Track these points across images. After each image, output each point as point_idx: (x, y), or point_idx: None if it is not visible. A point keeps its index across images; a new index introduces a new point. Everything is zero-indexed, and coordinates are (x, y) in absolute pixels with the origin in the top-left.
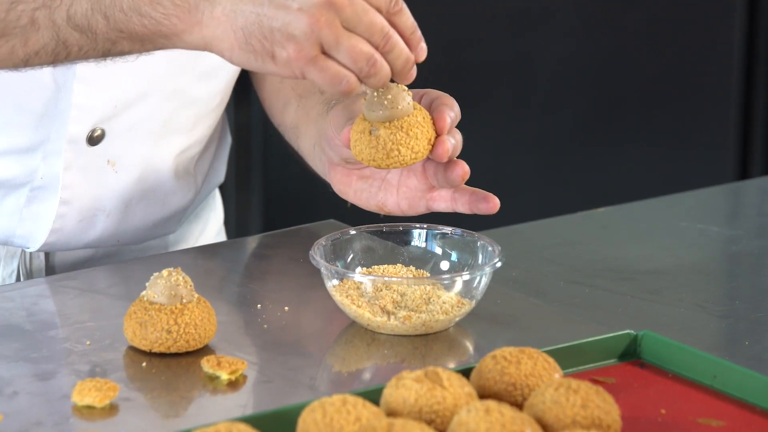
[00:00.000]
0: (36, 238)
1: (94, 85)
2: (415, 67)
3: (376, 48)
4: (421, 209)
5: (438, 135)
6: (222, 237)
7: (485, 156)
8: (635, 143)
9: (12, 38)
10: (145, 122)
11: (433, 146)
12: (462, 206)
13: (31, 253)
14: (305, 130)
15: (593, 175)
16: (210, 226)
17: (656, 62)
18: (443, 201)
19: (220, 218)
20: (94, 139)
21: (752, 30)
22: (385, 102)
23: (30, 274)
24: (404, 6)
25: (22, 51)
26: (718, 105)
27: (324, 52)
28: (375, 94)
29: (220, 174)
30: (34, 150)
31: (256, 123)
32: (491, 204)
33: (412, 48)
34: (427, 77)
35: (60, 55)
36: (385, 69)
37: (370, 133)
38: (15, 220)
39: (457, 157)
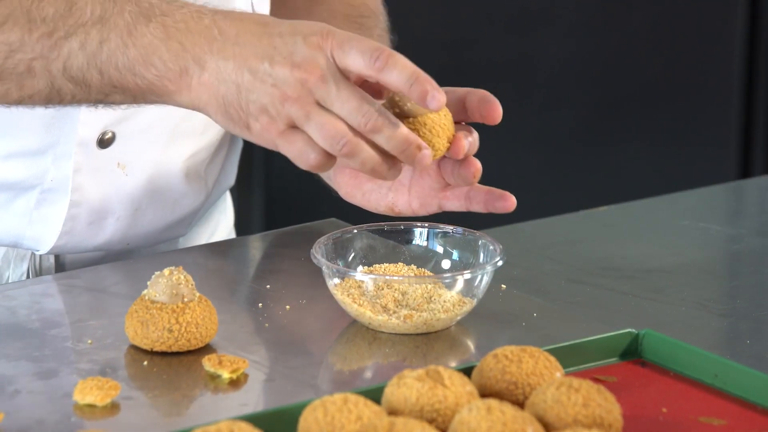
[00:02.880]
0: (46, 241)
1: None
2: (426, 152)
3: (358, 129)
4: (433, 208)
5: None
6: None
7: (486, 155)
8: (636, 142)
9: (8, 82)
10: (156, 125)
11: (450, 143)
12: (477, 205)
13: (41, 255)
14: None
15: (594, 174)
16: (220, 229)
17: (657, 61)
18: (457, 200)
19: (230, 221)
20: (104, 142)
21: (753, 28)
22: (408, 101)
23: (40, 275)
24: (393, 58)
25: (17, 94)
26: (719, 103)
27: (296, 128)
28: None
29: (231, 177)
30: (44, 152)
31: None
32: (508, 203)
33: (420, 101)
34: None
35: (53, 100)
36: (366, 152)
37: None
38: (25, 222)
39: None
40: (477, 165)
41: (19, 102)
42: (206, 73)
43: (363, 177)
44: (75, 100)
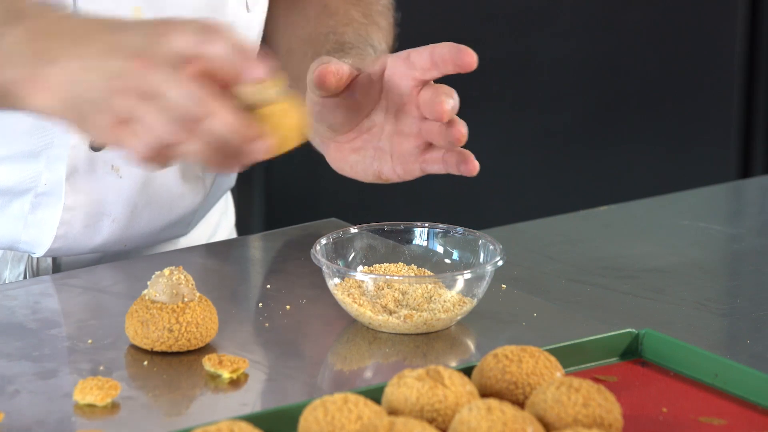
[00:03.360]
0: (41, 244)
1: None
2: (262, 144)
3: (187, 116)
4: (416, 172)
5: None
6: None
7: (487, 154)
8: (636, 142)
9: None
10: None
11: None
12: (451, 167)
13: (37, 257)
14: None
15: (595, 174)
16: (221, 230)
17: (658, 61)
18: (435, 163)
19: (231, 221)
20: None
21: (754, 28)
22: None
23: (37, 277)
24: (218, 34)
25: None
26: (719, 103)
27: (127, 122)
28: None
29: (231, 177)
30: (37, 156)
31: None
32: (470, 166)
33: (241, 73)
34: None
35: None
36: (187, 145)
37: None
38: (20, 226)
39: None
40: (462, 128)
41: None
42: (54, 77)
43: (347, 150)
44: None
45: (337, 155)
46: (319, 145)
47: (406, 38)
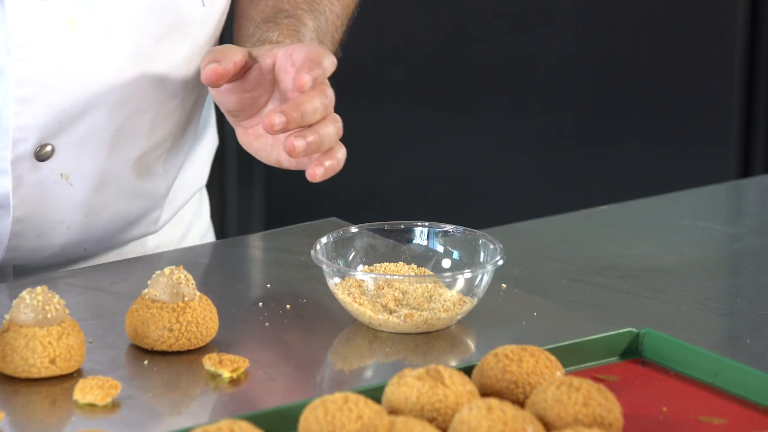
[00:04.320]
0: None
1: (34, 104)
2: None
3: None
4: (306, 161)
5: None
6: (209, 238)
7: (488, 153)
8: (637, 141)
9: None
10: (96, 133)
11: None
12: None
13: None
14: None
15: (595, 173)
16: (194, 229)
17: (658, 60)
18: (316, 164)
19: (205, 221)
20: (42, 156)
21: (754, 28)
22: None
23: None
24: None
25: None
26: (720, 103)
27: None
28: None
29: (201, 176)
30: None
31: None
32: (310, 170)
33: None
34: (429, 75)
35: None
36: None
37: None
38: None
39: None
40: (291, 143)
41: None
42: None
43: (251, 136)
44: None
45: (244, 139)
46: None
47: (406, 38)
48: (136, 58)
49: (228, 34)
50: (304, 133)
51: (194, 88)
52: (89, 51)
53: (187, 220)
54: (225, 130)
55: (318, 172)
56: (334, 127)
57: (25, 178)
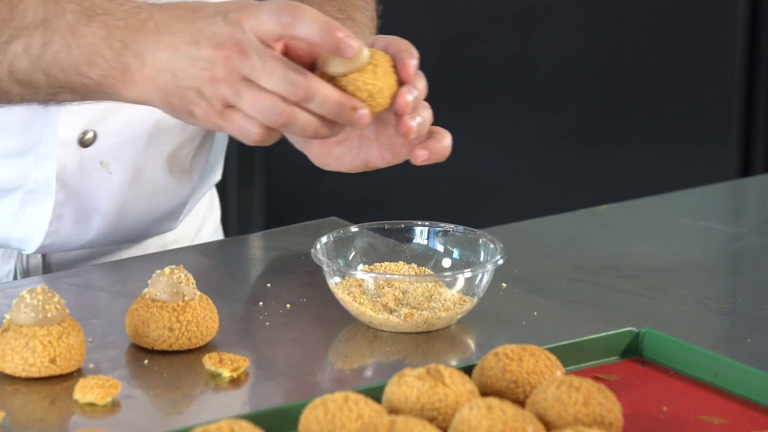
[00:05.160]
0: (32, 241)
1: None
2: (364, 112)
3: (288, 98)
4: (404, 156)
5: (403, 83)
6: (219, 234)
7: (488, 153)
8: (638, 141)
9: None
10: (137, 122)
11: (393, 98)
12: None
13: (27, 254)
14: None
15: (596, 173)
16: (207, 225)
17: (659, 60)
18: (420, 147)
19: (217, 216)
20: (85, 142)
21: (755, 28)
22: (330, 60)
23: (27, 274)
24: (300, 12)
25: None
26: (720, 102)
27: (232, 107)
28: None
29: (217, 172)
30: (26, 154)
31: None
32: (414, 152)
33: (335, 52)
34: (430, 74)
35: (2, 101)
36: (304, 118)
37: (329, 83)
38: (10, 223)
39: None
40: (409, 124)
41: None
42: (146, 67)
43: (331, 143)
44: (24, 100)
45: (321, 150)
46: (299, 144)
47: (408, 37)
48: None
49: None
50: (414, 114)
51: None
52: None
53: (201, 216)
54: None
55: (421, 154)
56: (429, 110)
57: (69, 163)
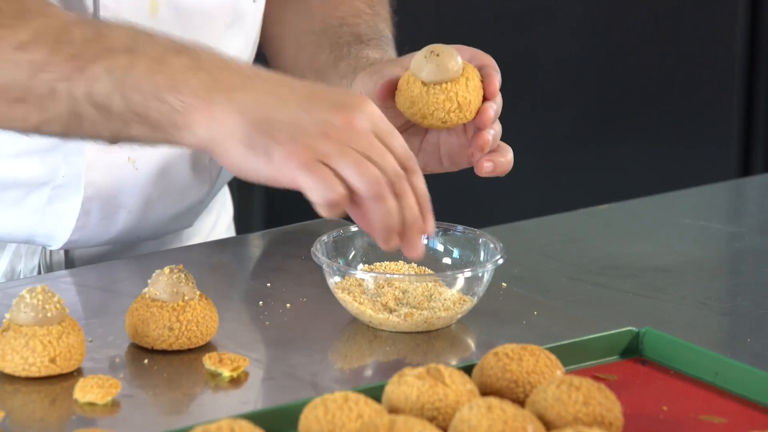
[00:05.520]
0: (58, 237)
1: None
2: (419, 248)
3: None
4: (463, 164)
5: (486, 99)
6: (232, 231)
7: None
8: (638, 140)
9: (29, 105)
10: None
11: (478, 112)
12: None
13: (51, 250)
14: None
15: (596, 173)
16: (221, 221)
17: (659, 60)
18: (486, 159)
19: (230, 213)
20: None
21: (754, 27)
22: (437, 64)
23: (50, 270)
24: (419, 170)
25: (36, 117)
26: (720, 102)
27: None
28: (424, 54)
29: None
30: (55, 149)
31: None
32: (481, 166)
33: (422, 214)
34: None
35: (71, 128)
36: (391, 201)
37: (421, 90)
38: (37, 218)
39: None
40: (486, 138)
41: (37, 128)
42: (236, 105)
43: None
44: (93, 129)
45: None
46: None
47: (407, 37)
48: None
49: None
50: (492, 102)
51: None
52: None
53: (216, 213)
54: None
55: (487, 166)
56: (499, 124)
57: (97, 159)
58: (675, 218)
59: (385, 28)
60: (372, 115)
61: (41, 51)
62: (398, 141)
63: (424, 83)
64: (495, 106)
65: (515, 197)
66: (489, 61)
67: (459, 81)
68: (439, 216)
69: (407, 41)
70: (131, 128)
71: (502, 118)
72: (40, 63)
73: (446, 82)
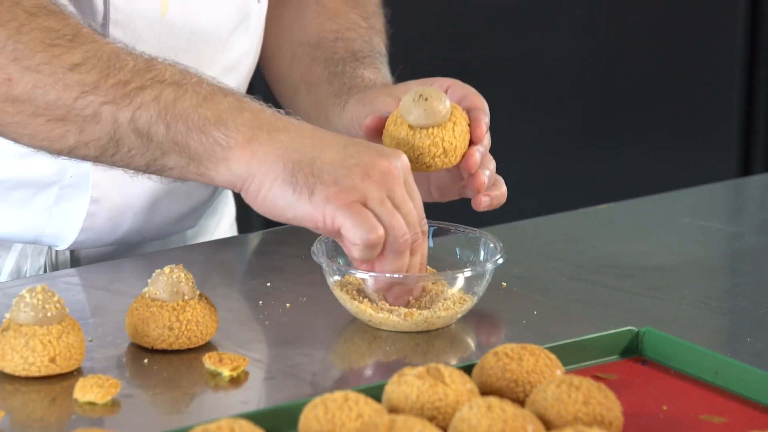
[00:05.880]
0: (66, 237)
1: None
2: (405, 307)
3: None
4: (453, 197)
5: (472, 143)
6: (234, 231)
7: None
8: (637, 140)
9: (70, 124)
10: None
11: (463, 156)
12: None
13: (57, 250)
14: (316, 121)
15: (596, 172)
16: (224, 221)
17: (659, 60)
18: (484, 194)
19: (232, 213)
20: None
21: (754, 27)
22: (424, 108)
23: (56, 270)
24: (426, 232)
25: (74, 138)
26: (720, 102)
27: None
28: (413, 98)
29: None
30: None
31: None
32: (479, 202)
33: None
34: (430, 75)
35: (107, 152)
36: (407, 257)
37: (407, 132)
38: (44, 219)
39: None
40: (481, 179)
41: (72, 150)
42: (278, 143)
43: None
44: (128, 156)
45: None
46: None
47: (408, 37)
48: (213, 45)
49: None
50: (483, 169)
51: (245, 80)
52: (176, 36)
53: (219, 212)
54: None
55: (484, 201)
56: (493, 162)
57: None
58: (675, 218)
59: (379, 42)
60: (405, 168)
61: (92, 74)
62: (419, 201)
63: (410, 126)
64: (482, 149)
65: (515, 197)
66: (479, 102)
67: (446, 126)
68: (440, 215)
69: (407, 41)
70: (167, 158)
71: (502, 118)
72: (89, 85)
73: (433, 127)
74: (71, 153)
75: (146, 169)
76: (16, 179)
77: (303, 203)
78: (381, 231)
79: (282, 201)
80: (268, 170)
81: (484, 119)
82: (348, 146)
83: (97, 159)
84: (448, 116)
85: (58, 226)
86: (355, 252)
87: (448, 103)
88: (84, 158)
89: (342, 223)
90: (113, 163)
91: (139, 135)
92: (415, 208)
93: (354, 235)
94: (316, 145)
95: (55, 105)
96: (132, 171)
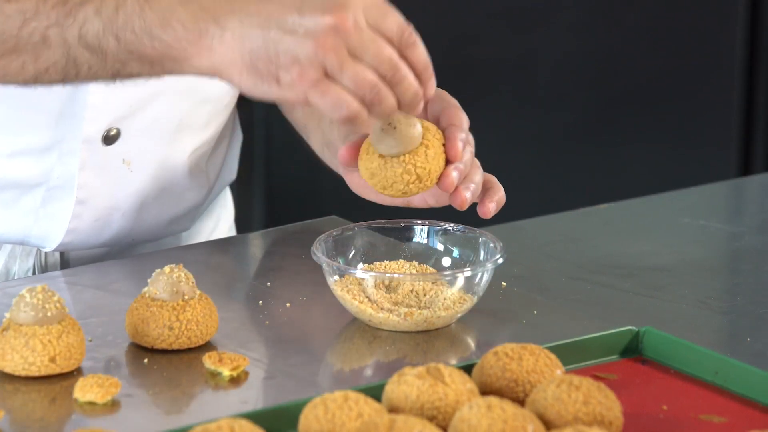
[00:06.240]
0: (52, 238)
1: (110, 85)
2: (422, 102)
3: (383, 78)
4: (446, 202)
5: (449, 162)
6: (233, 233)
7: (487, 152)
8: (637, 140)
9: (23, 54)
10: (160, 121)
11: (440, 176)
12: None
13: (46, 251)
14: (313, 131)
15: (595, 172)
16: (222, 223)
17: (659, 59)
18: (489, 202)
19: (231, 215)
20: (109, 139)
21: (754, 26)
22: (393, 137)
23: (45, 272)
24: (418, 40)
25: (33, 67)
26: (720, 101)
27: (329, 78)
28: (381, 126)
29: (232, 171)
30: (50, 150)
31: (259, 119)
32: (487, 211)
33: (422, 83)
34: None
35: (69, 73)
36: (390, 100)
37: (379, 162)
38: (31, 220)
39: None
40: (463, 197)
41: (36, 78)
42: (228, 32)
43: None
44: (91, 72)
45: (362, 182)
46: (340, 169)
47: None
48: None
49: None
50: (467, 184)
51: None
52: None
53: (216, 214)
54: None
55: (491, 207)
56: (480, 170)
57: (91, 161)
58: (675, 217)
59: None
60: (358, 5)
61: (29, 0)
62: (391, 20)
63: (381, 156)
64: (461, 166)
65: (515, 196)
66: (455, 118)
67: (418, 151)
68: (440, 216)
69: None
70: (129, 67)
71: (502, 117)
72: (29, 11)
73: (404, 154)
74: (38, 81)
75: (116, 80)
76: (2, 180)
77: (275, 90)
78: (353, 105)
79: (257, 91)
80: (231, 64)
81: (460, 136)
82: (291, 11)
83: (64, 81)
84: (420, 140)
85: (44, 227)
86: (342, 124)
87: (419, 126)
88: (51, 84)
89: (316, 106)
90: (82, 82)
91: (93, 51)
92: (388, 32)
93: (331, 114)
94: (264, 23)
95: (2, 39)
96: (106, 82)
